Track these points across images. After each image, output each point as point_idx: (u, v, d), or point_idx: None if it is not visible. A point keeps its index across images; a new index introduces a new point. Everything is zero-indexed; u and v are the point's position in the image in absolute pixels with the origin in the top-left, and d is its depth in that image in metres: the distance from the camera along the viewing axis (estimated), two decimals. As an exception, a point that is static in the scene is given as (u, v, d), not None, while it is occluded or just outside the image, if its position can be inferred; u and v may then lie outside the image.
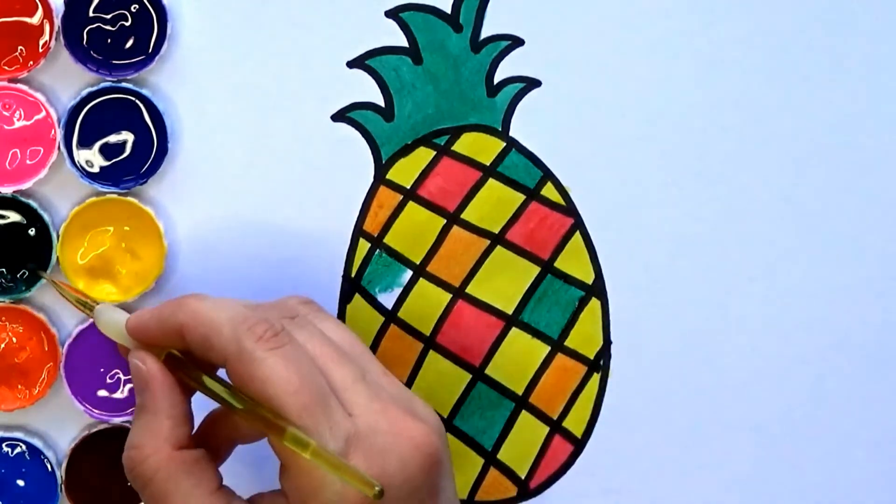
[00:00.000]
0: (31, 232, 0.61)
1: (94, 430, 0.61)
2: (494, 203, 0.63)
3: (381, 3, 0.62)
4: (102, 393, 0.61)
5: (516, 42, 0.63)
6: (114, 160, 0.61)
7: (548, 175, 0.63)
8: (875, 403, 0.64)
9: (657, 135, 0.63)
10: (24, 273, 0.61)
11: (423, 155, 0.63)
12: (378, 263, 0.63)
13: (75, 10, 0.60)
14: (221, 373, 0.53)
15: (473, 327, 0.63)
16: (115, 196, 0.61)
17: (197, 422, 0.56)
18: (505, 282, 0.63)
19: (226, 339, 0.51)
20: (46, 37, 0.60)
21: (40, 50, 0.60)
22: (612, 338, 0.63)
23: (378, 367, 0.54)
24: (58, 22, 0.60)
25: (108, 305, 0.57)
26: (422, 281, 0.63)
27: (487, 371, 0.63)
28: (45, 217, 0.60)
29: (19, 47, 0.60)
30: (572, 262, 0.63)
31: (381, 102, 0.62)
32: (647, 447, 0.64)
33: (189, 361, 0.54)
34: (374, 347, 0.63)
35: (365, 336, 0.63)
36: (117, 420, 0.61)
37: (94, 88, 0.60)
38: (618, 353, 0.63)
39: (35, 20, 0.60)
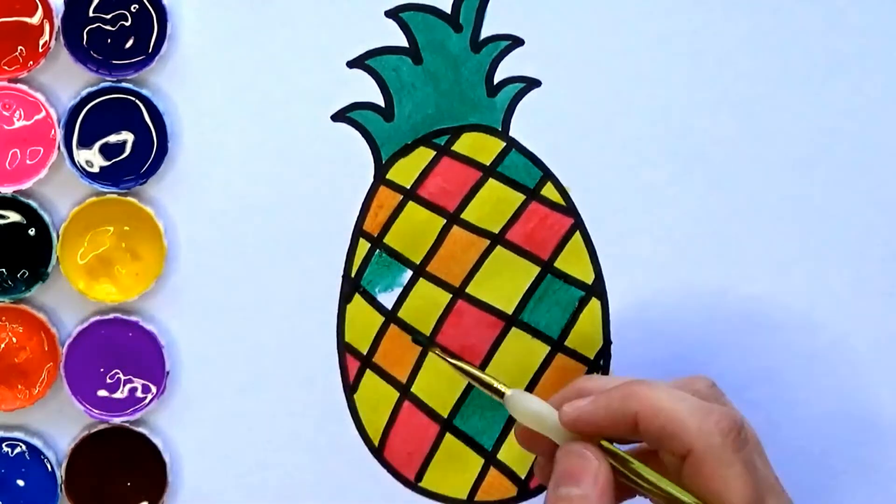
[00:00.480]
0: (31, 232, 0.61)
1: (94, 430, 0.61)
2: (494, 203, 0.63)
3: (381, 3, 0.62)
4: (102, 393, 0.61)
5: (516, 42, 0.63)
6: (114, 160, 0.61)
7: (548, 175, 0.63)
8: (875, 403, 0.64)
9: (657, 135, 0.63)
10: (25, 273, 0.61)
11: (423, 155, 0.63)
12: (378, 263, 0.63)
13: (75, 10, 0.60)
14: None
15: (473, 327, 0.63)
16: (115, 196, 0.61)
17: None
18: (505, 282, 0.63)
19: (692, 432, 0.51)
20: (46, 37, 0.60)
21: (40, 50, 0.60)
22: (612, 338, 0.63)
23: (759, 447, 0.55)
24: (58, 22, 0.60)
25: (520, 392, 0.54)
26: (422, 281, 0.63)
27: (488, 371, 0.63)
28: (45, 217, 0.60)
29: (19, 47, 0.60)
30: (572, 262, 0.63)
31: (381, 102, 0.62)
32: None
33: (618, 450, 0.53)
34: (373, 347, 0.63)
35: (365, 336, 0.63)
36: (117, 420, 0.61)
37: (94, 88, 0.60)
38: (618, 353, 0.63)
39: (35, 20, 0.60)
